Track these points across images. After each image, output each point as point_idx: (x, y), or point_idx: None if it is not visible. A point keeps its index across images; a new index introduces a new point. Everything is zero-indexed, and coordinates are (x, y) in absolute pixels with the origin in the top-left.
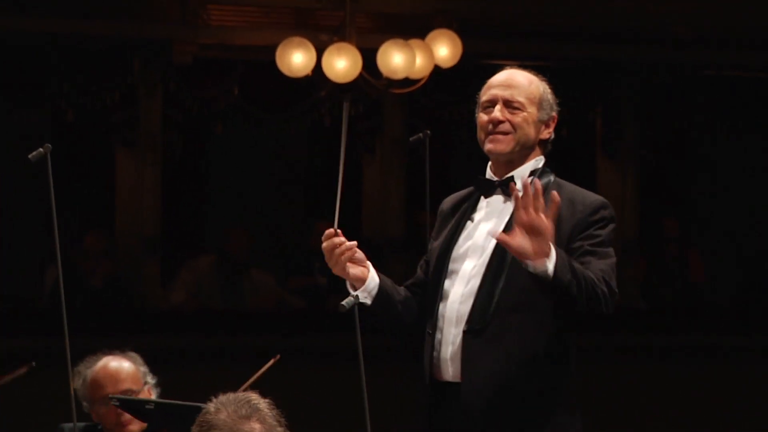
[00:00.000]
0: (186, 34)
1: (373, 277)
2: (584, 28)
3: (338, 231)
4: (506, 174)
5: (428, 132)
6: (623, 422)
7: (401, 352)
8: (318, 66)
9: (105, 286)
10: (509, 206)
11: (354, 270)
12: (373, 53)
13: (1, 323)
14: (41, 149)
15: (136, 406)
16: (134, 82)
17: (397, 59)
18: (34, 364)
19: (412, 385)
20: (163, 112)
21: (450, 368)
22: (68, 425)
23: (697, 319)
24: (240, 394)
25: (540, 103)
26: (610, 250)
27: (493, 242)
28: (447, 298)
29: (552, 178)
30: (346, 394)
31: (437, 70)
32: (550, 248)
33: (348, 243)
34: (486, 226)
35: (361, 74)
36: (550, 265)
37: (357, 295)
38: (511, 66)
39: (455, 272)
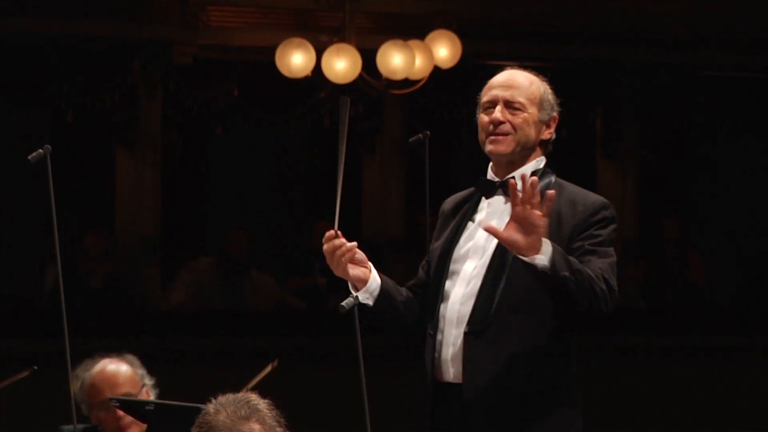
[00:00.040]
0: (186, 35)
1: (374, 278)
2: (584, 28)
3: (338, 232)
4: (507, 174)
5: (428, 132)
6: (623, 422)
7: (401, 352)
8: (318, 67)
9: (105, 286)
10: (510, 207)
11: (355, 271)
12: (373, 54)
13: (0, 324)
14: (41, 150)
15: (135, 407)
16: (134, 83)
17: (397, 60)
18: (36, 368)
19: (411, 386)
20: (163, 113)
21: (451, 369)
22: (68, 427)
23: (697, 319)
24: (239, 395)
25: (541, 104)
26: (611, 249)
27: (494, 243)
28: (448, 299)
29: (553, 178)
30: (345, 394)
31: (437, 71)
32: (542, 243)
33: (349, 244)
34: None
35: (360, 75)
36: (544, 259)
37: (357, 296)
38: (512, 66)
39: (456, 273)
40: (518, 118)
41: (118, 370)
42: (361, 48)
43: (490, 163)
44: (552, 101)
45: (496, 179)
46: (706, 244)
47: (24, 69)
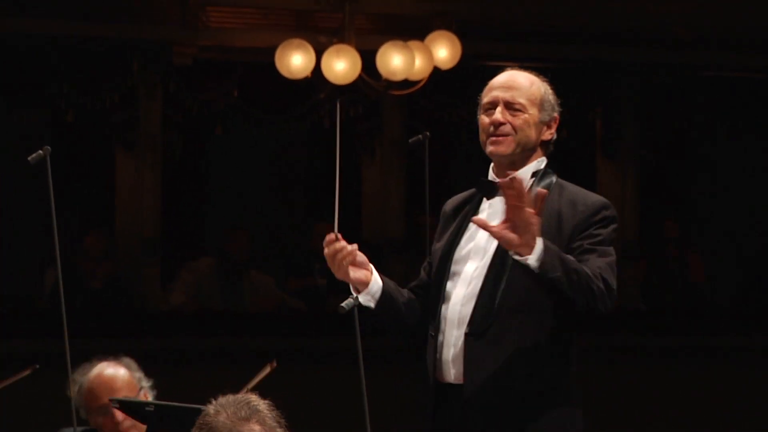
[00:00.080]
0: (186, 36)
1: (376, 280)
2: (584, 28)
3: (339, 235)
4: (508, 175)
5: (428, 133)
6: (623, 422)
7: (401, 353)
8: (317, 68)
9: (105, 286)
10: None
11: (357, 274)
12: (373, 55)
13: (0, 324)
14: (40, 151)
15: (136, 409)
16: (134, 84)
17: (397, 61)
18: (37, 366)
19: (412, 387)
20: (163, 114)
21: (452, 370)
22: (68, 430)
23: (697, 319)
24: (240, 396)
25: (541, 105)
26: (610, 248)
27: (495, 244)
28: (449, 299)
29: (554, 179)
30: (345, 395)
31: (436, 72)
32: (536, 242)
33: (350, 247)
34: None
35: (360, 76)
36: (534, 257)
37: (356, 297)
38: (512, 67)
39: (457, 274)
40: (519, 120)
41: (116, 374)
42: (360, 49)
43: (491, 164)
44: (553, 102)
45: (497, 180)
46: (706, 244)
47: (24, 69)
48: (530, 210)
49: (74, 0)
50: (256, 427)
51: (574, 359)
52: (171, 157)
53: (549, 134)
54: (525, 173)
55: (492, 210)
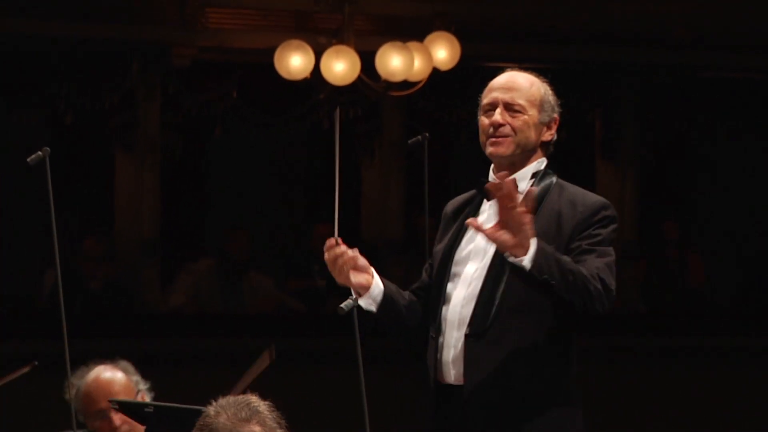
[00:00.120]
0: (185, 37)
1: (377, 284)
2: (583, 29)
3: (339, 240)
4: (503, 177)
5: (427, 134)
6: (623, 422)
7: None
8: (316, 69)
9: (104, 288)
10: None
11: (358, 278)
12: (372, 56)
13: (0, 324)
14: (40, 153)
15: (135, 409)
16: (133, 85)
17: (396, 62)
18: (36, 363)
19: (411, 387)
20: (162, 115)
21: (452, 371)
22: None
23: (696, 320)
24: (240, 397)
25: (541, 106)
26: (610, 249)
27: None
28: (449, 301)
29: (554, 179)
30: (345, 395)
31: (436, 73)
32: (530, 244)
33: (351, 252)
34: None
35: (359, 77)
36: (528, 259)
37: (356, 298)
38: (511, 68)
39: (458, 275)
40: (518, 121)
41: (113, 377)
42: (360, 50)
43: (492, 165)
44: (552, 102)
45: (498, 181)
46: (706, 245)
47: (23, 70)
48: (521, 210)
49: (73, 1)
50: (257, 428)
51: (575, 359)
52: (170, 158)
53: (549, 135)
54: (525, 174)
55: (492, 211)
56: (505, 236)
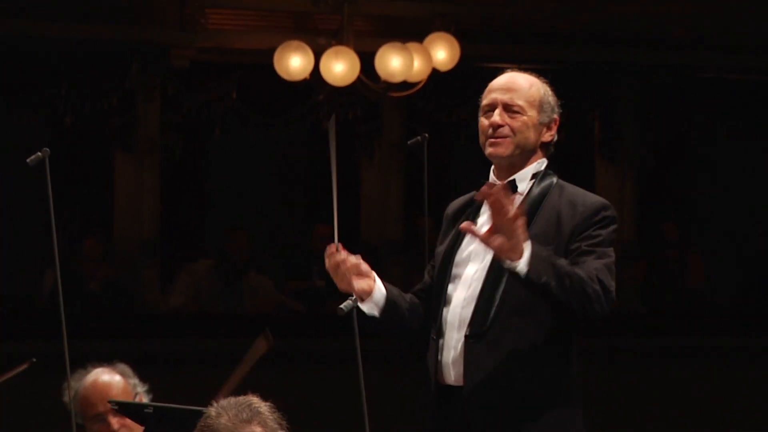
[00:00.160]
0: (184, 38)
1: (379, 289)
2: (583, 29)
3: (339, 246)
4: (509, 177)
5: (426, 135)
6: (623, 422)
7: (400, 354)
8: (316, 69)
9: (104, 288)
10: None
11: (360, 284)
12: (371, 57)
13: (0, 325)
14: (39, 153)
15: (134, 410)
16: (133, 86)
17: (395, 62)
18: (34, 360)
19: (410, 387)
20: (162, 116)
21: (452, 372)
22: None
23: (696, 320)
24: (241, 398)
25: (540, 106)
26: (609, 249)
27: None
28: (450, 302)
29: (554, 180)
30: (345, 395)
31: (435, 74)
32: (524, 248)
33: (352, 259)
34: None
35: (359, 78)
36: (523, 264)
37: (355, 299)
38: (511, 69)
39: (458, 276)
40: (517, 122)
41: (111, 381)
42: (359, 51)
43: (492, 166)
44: (552, 103)
45: (498, 182)
46: (706, 245)
47: (23, 71)
48: (513, 215)
49: (73, 2)
50: (258, 429)
51: (575, 360)
52: (170, 159)
53: (549, 136)
54: (525, 175)
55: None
56: (498, 241)
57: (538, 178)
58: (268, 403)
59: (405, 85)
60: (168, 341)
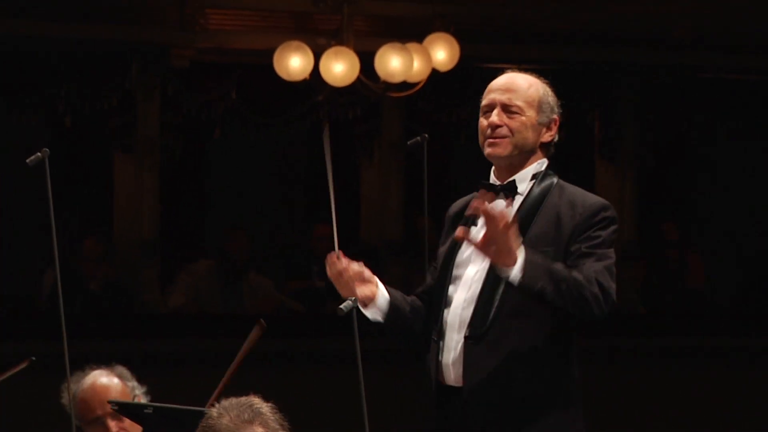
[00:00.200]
0: (184, 38)
1: (382, 294)
2: (583, 29)
3: (340, 254)
4: (509, 178)
5: (426, 135)
6: (623, 422)
7: (400, 354)
8: (315, 70)
9: (104, 288)
10: (511, 210)
11: (363, 290)
12: (371, 57)
13: (0, 325)
14: (39, 154)
15: (134, 411)
16: (132, 86)
17: (395, 63)
18: (34, 358)
19: (411, 387)
20: (162, 116)
21: (452, 373)
22: None
23: (697, 320)
24: (243, 399)
25: (539, 106)
26: (610, 251)
27: None
28: (451, 303)
29: (555, 180)
30: (345, 395)
31: (435, 74)
32: (517, 257)
33: (355, 266)
34: None
35: (358, 78)
36: (516, 269)
37: (355, 299)
38: (511, 69)
39: (459, 278)
40: (515, 122)
41: (109, 384)
42: (359, 51)
43: (493, 167)
44: (552, 103)
45: (498, 183)
46: (706, 245)
47: (23, 71)
48: (504, 226)
49: (73, 2)
50: (259, 430)
51: (575, 360)
52: (170, 159)
53: (549, 136)
54: (525, 175)
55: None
56: (491, 249)
57: (539, 178)
58: (269, 404)
59: (405, 85)
60: (168, 341)
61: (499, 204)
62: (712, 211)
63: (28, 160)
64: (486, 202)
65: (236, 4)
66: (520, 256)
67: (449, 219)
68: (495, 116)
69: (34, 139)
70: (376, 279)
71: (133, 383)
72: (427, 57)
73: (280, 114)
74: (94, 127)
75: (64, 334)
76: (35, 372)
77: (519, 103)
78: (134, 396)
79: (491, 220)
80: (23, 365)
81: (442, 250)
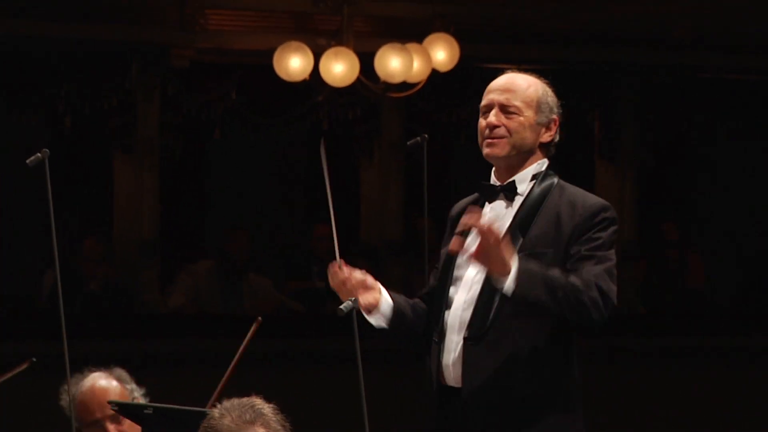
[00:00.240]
0: (184, 39)
1: (385, 300)
2: (583, 29)
3: (342, 263)
4: (509, 179)
5: (426, 136)
6: (623, 422)
7: (400, 354)
8: (315, 70)
9: (104, 289)
10: (511, 211)
11: (367, 298)
12: (371, 57)
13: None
14: (39, 154)
15: (134, 411)
16: (132, 86)
17: (395, 63)
18: (34, 359)
19: (411, 387)
20: (161, 116)
21: (452, 373)
22: None
23: (697, 320)
24: (244, 399)
25: (538, 107)
26: (610, 252)
27: None
28: (451, 305)
29: (555, 180)
30: (345, 396)
31: (435, 74)
32: (510, 267)
33: (357, 275)
34: None
35: (358, 78)
36: (510, 279)
37: (355, 299)
38: (512, 69)
39: (459, 279)
40: (514, 122)
41: (108, 386)
42: (359, 51)
43: (493, 168)
44: (551, 104)
45: (498, 183)
46: (706, 245)
47: (23, 71)
48: (495, 238)
49: (73, 2)
50: (261, 430)
51: (575, 361)
52: (170, 159)
53: (548, 136)
54: (525, 176)
55: (493, 213)
56: (484, 260)
57: (539, 179)
58: (271, 405)
59: (404, 85)
60: (168, 341)
61: (489, 217)
62: (712, 211)
63: (28, 161)
64: (477, 218)
65: (236, 4)
66: (514, 266)
67: (451, 220)
68: (493, 116)
69: (34, 139)
70: (379, 285)
71: (132, 385)
72: (427, 57)
73: (280, 114)
74: (94, 128)
75: (64, 335)
76: (35, 372)
77: (517, 103)
78: (133, 398)
79: (483, 234)
80: (23, 366)
81: (444, 251)
